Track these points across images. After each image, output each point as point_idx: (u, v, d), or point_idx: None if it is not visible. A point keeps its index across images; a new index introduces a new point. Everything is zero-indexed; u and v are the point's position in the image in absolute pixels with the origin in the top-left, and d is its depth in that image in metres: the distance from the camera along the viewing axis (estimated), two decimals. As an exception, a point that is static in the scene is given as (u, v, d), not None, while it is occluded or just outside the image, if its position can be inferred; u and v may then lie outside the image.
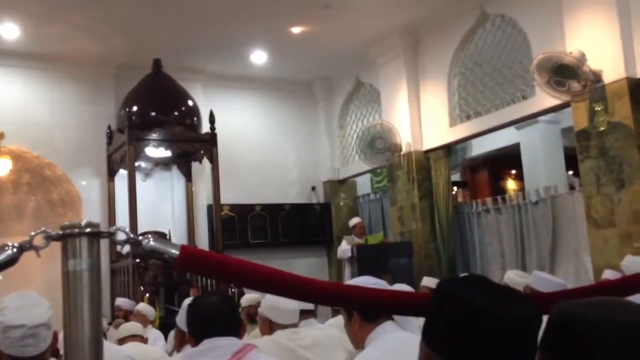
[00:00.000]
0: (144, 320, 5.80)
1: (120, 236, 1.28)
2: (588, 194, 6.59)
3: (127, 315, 6.38)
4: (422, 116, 9.01)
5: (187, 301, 3.10)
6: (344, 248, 8.68)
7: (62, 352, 1.30)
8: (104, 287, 8.24)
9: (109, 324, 6.63)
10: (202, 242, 9.51)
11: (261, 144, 10.50)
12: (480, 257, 8.69)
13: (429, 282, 6.49)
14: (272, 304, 3.36)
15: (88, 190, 9.06)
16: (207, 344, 2.28)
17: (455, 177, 10.79)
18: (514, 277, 5.16)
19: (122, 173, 8.74)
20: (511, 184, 11.55)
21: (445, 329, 1.17)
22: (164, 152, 8.92)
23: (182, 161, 9.56)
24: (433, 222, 8.78)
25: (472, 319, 1.13)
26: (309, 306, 3.76)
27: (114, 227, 1.29)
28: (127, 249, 8.17)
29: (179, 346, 3.31)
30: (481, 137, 8.74)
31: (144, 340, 4.48)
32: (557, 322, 1.09)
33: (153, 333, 5.84)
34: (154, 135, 8.44)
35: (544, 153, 9.83)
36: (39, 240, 1.23)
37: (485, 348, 1.13)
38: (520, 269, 7.08)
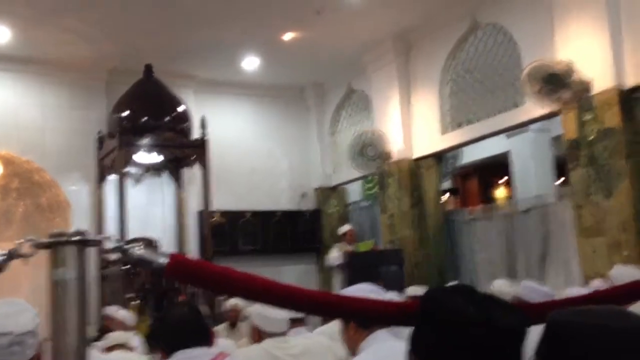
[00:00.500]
0: (121, 327, 5.68)
1: (109, 244, 1.28)
2: (577, 203, 6.62)
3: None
4: (414, 123, 9.03)
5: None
6: (334, 255, 8.68)
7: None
8: (94, 293, 8.19)
9: (98, 331, 6.59)
10: (192, 248, 9.48)
11: (252, 150, 10.49)
12: (470, 265, 8.71)
13: (415, 291, 6.45)
14: (262, 313, 3.35)
15: (77, 196, 9.01)
16: (180, 355, 2.27)
17: (446, 184, 10.81)
18: (502, 286, 5.17)
19: (112, 178, 8.70)
20: (501, 192, 11.58)
21: (433, 339, 1.17)
22: (154, 158, 8.89)
23: (173, 167, 9.54)
24: (423, 230, 8.79)
25: (461, 329, 1.13)
26: (299, 314, 3.75)
27: (102, 236, 1.28)
28: (115, 255, 8.13)
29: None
30: (472, 144, 8.77)
31: (131, 349, 4.45)
32: (553, 330, 1.10)
33: (135, 340, 5.78)
34: (144, 141, 8.41)
35: (534, 161, 9.87)
36: (27, 248, 1.22)
37: (473, 358, 1.13)
38: (510, 277, 7.09)
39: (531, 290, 3.77)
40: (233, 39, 8.65)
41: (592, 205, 6.41)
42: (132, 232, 7.94)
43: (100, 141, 8.98)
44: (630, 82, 6.32)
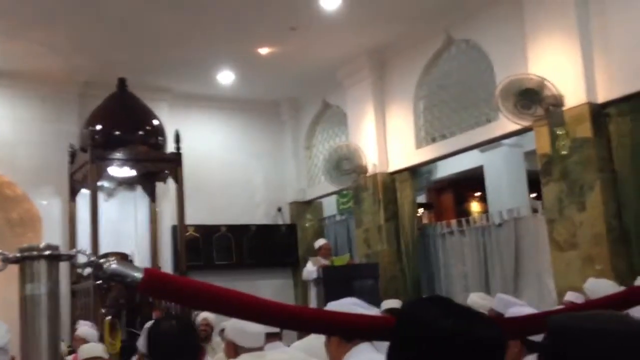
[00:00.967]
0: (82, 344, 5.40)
1: (81, 259, 1.25)
2: (550, 217, 6.68)
3: None
4: (388, 138, 9.07)
5: (150, 324, 3.05)
6: (310, 269, 8.64)
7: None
8: (64, 309, 8.05)
9: (69, 347, 6.46)
10: (166, 263, 9.38)
11: (227, 164, 10.44)
12: (444, 279, 8.74)
13: (390, 304, 6.33)
14: (238, 327, 3.31)
15: (49, 210, 8.87)
16: None
17: (421, 198, 10.86)
18: (477, 300, 5.18)
19: (85, 192, 8.59)
20: (475, 206, 11.66)
21: (413, 354, 1.16)
22: (128, 172, 8.80)
23: (147, 181, 9.44)
24: (399, 244, 8.80)
25: (438, 342, 1.12)
26: (275, 329, 3.71)
27: (75, 250, 1.26)
28: (88, 269, 8.01)
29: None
30: (446, 159, 8.83)
31: (104, 362, 4.37)
32: (553, 334, 1.10)
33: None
34: (117, 155, 8.33)
35: (507, 176, 9.97)
36: (-4, 263, 1.19)
37: None
38: (484, 291, 7.12)
39: (506, 303, 3.77)
40: (208, 53, 8.63)
41: (565, 219, 6.48)
42: (105, 247, 7.83)
43: (73, 155, 8.87)
44: (601, 97, 6.43)
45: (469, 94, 8.10)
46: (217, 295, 1.28)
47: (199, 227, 9.81)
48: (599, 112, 6.41)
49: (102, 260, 1.26)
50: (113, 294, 7.85)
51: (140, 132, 8.65)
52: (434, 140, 8.58)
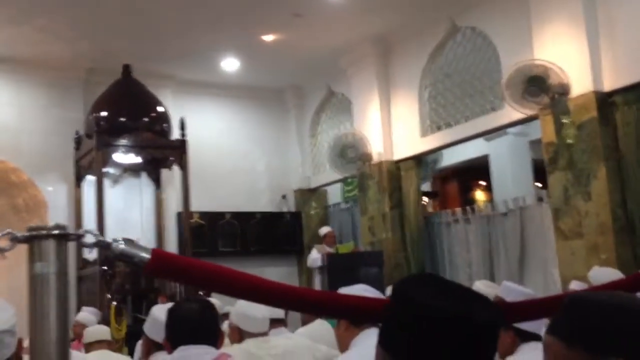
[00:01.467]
0: (81, 330, 5.22)
1: (89, 239, 1.25)
2: (556, 206, 6.67)
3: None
4: (393, 126, 9.06)
5: (155, 309, 3.06)
6: (315, 257, 8.67)
7: (26, 359, 1.25)
8: (70, 294, 8.09)
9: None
10: (171, 249, 9.39)
11: (232, 151, 10.45)
12: (449, 267, 8.74)
13: None
14: (243, 312, 3.32)
15: (54, 196, 8.90)
16: (181, 351, 2.24)
17: (426, 187, 10.85)
18: (482, 288, 5.17)
19: (90, 179, 8.62)
20: (480, 195, 11.65)
21: (407, 336, 1.12)
22: (133, 159, 8.82)
23: (152, 168, 9.46)
24: (403, 232, 8.81)
25: (437, 324, 1.09)
26: (280, 315, 3.73)
27: (83, 230, 1.26)
28: (94, 255, 8.04)
29: (146, 355, 3.25)
30: (451, 147, 8.81)
31: (111, 346, 4.38)
32: (570, 304, 1.11)
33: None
34: (122, 141, 8.34)
35: (513, 165, 9.95)
36: (4, 242, 1.19)
37: (446, 353, 1.09)
38: (489, 280, 7.13)
39: (512, 291, 3.77)
40: (212, 40, 8.61)
41: (571, 208, 6.46)
42: (110, 234, 7.82)
43: (78, 142, 8.88)
44: (607, 86, 6.40)
45: (475, 82, 8.07)
46: (225, 276, 1.28)
47: (204, 214, 9.83)
48: (605, 101, 6.39)
49: (110, 240, 1.26)
50: (119, 280, 7.89)
51: (146, 119, 8.66)
52: (439, 128, 8.56)
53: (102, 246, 1.25)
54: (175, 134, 8.78)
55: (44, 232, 1.17)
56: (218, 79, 9.98)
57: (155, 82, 9.24)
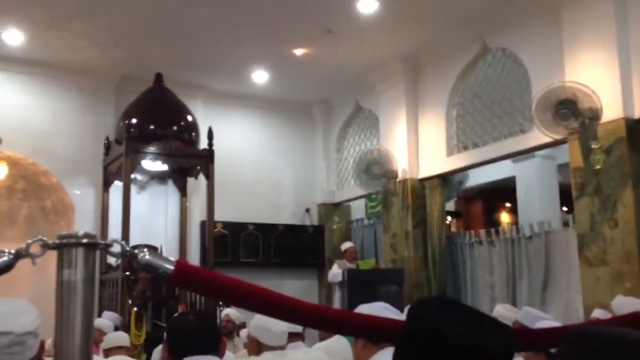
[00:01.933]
0: (99, 336, 5.36)
1: (116, 248, 1.29)
2: (581, 232, 6.60)
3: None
4: (420, 144, 9.05)
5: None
6: (335, 272, 8.65)
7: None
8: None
9: (95, 335, 6.55)
10: (194, 258, 9.47)
11: (258, 162, 10.52)
12: (471, 289, 8.67)
13: None
14: (262, 326, 3.34)
15: (82, 200, 9.02)
16: None
17: (450, 206, 10.80)
18: (503, 312, 5.15)
19: (117, 184, 8.72)
20: (505, 217, 11.57)
21: (417, 358, 1.14)
22: (160, 166, 8.92)
23: (178, 176, 9.56)
24: (425, 251, 8.76)
25: (445, 350, 1.10)
26: (298, 329, 3.74)
27: (110, 240, 1.29)
28: (117, 261, 8.13)
29: (165, 362, 3.28)
30: (477, 168, 8.77)
31: (130, 352, 4.43)
32: (571, 337, 1.11)
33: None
34: (151, 149, 8.44)
35: (539, 188, 9.87)
36: (35, 248, 1.23)
37: None
38: (511, 303, 7.07)
39: (532, 316, 3.75)
40: (243, 52, 8.71)
41: (597, 235, 6.39)
42: (135, 239, 7.92)
43: (107, 147, 9.01)
44: (638, 112, 6.34)
45: (504, 103, 8.04)
46: (246, 291, 1.31)
47: (227, 224, 9.90)
48: (635, 128, 6.32)
49: (136, 251, 1.29)
50: (140, 286, 7.96)
51: (175, 128, 8.76)
52: (465, 148, 8.53)
53: (129, 256, 1.28)
54: (203, 144, 8.86)
55: (74, 240, 1.20)
56: (248, 91, 10.08)
57: (186, 91, 9.36)
